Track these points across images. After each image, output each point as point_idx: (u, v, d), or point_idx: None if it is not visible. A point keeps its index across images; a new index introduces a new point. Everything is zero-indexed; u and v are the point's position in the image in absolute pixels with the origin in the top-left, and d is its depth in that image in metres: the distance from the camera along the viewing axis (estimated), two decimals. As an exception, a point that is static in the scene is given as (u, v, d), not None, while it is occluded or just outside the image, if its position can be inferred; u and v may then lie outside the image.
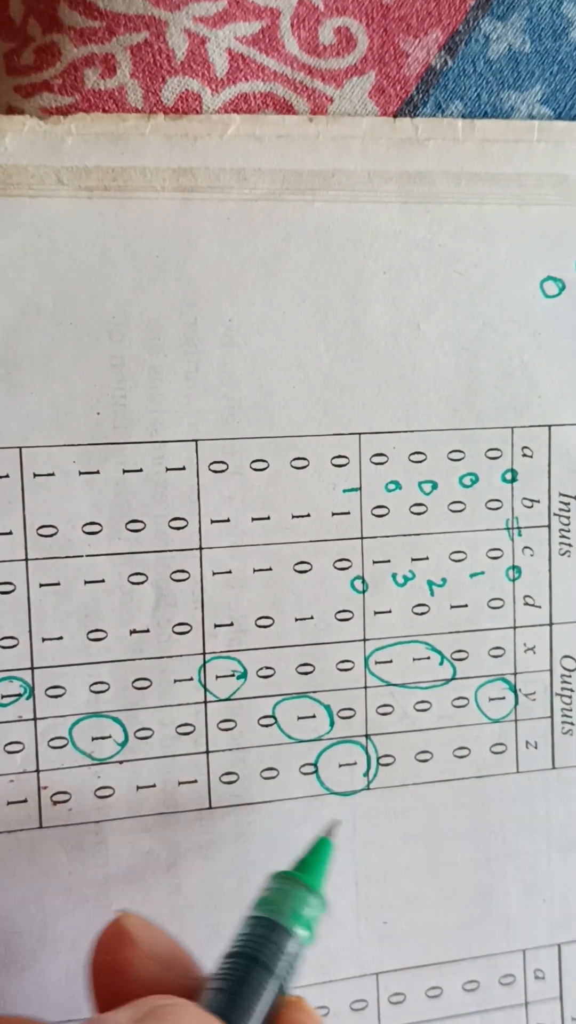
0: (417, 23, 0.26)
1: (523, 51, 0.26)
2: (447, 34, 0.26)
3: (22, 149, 0.24)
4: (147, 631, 0.26)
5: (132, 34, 0.24)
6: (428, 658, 0.28)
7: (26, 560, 0.25)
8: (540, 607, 0.28)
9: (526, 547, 0.28)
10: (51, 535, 0.25)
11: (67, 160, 0.24)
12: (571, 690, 0.28)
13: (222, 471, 0.26)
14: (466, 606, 0.28)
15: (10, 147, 0.24)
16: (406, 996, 0.29)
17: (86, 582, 0.25)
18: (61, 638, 0.25)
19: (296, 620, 0.27)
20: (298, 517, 0.26)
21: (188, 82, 0.25)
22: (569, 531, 0.28)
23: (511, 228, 0.27)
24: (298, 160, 0.25)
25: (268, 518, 0.26)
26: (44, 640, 0.25)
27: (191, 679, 0.26)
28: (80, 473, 0.25)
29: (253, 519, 0.26)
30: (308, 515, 0.26)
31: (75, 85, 0.24)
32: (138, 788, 0.26)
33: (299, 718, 0.27)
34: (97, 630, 0.25)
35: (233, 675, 0.26)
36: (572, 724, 0.29)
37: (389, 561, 0.27)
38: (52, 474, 0.25)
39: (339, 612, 0.27)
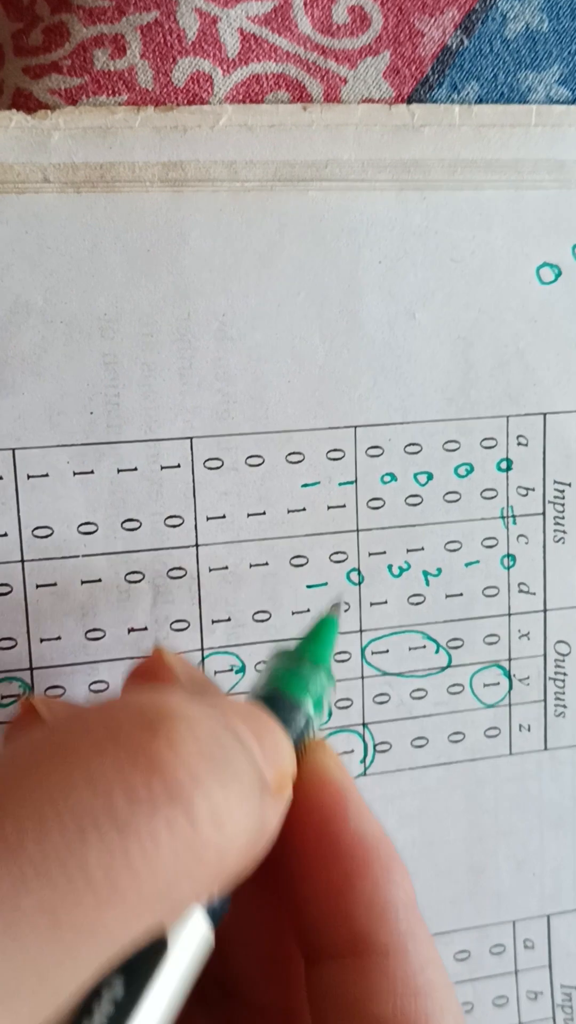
0: (433, 1, 0.25)
1: (540, 30, 0.25)
2: (463, 13, 0.25)
3: (8, 146, 0.23)
4: (145, 629, 0.26)
5: (142, 13, 0.23)
6: (424, 647, 0.28)
7: (22, 561, 0.25)
8: (535, 594, 0.28)
9: (521, 535, 0.28)
10: (47, 536, 0.25)
11: (54, 157, 0.23)
12: (564, 674, 0.29)
13: (217, 467, 0.26)
14: (461, 595, 0.28)
15: (-6, 139, 0.23)
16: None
17: (83, 582, 0.25)
18: (59, 638, 0.25)
19: (293, 613, 0.27)
20: (294, 511, 0.26)
21: (199, 63, 0.24)
22: (564, 518, 0.28)
23: (508, 214, 0.26)
24: (291, 150, 0.25)
25: (264, 513, 0.26)
26: (42, 640, 0.25)
27: (190, 674, 0.26)
28: (75, 473, 0.25)
29: (249, 515, 0.26)
30: (304, 509, 0.26)
31: (84, 66, 0.23)
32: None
33: (297, 709, 0.27)
34: (95, 629, 0.25)
35: (232, 669, 0.26)
36: (564, 707, 0.29)
37: (385, 552, 0.27)
38: (46, 475, 0.25)
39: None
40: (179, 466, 0.25)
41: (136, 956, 0.16)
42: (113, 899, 0.13)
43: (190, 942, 0.16)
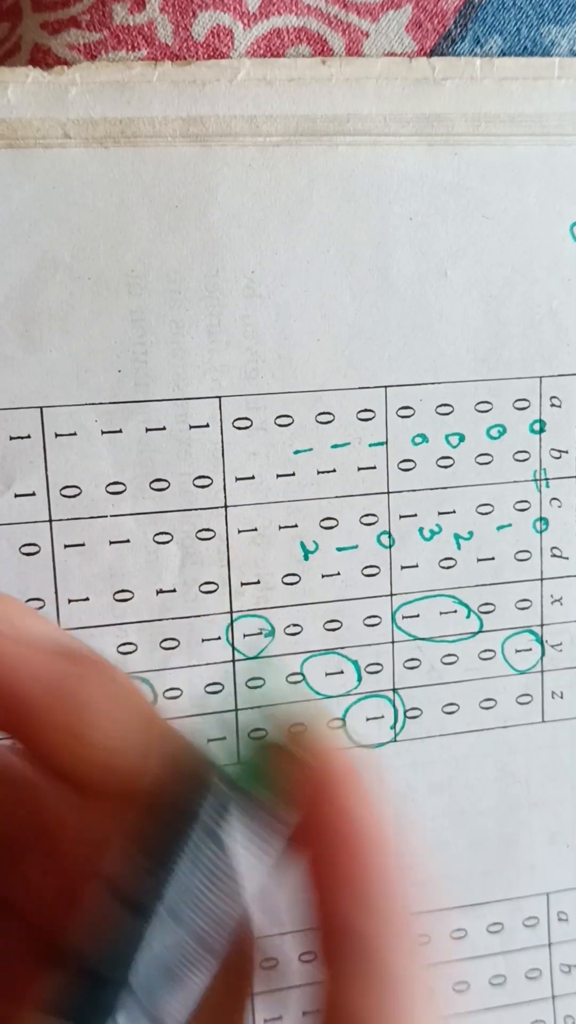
0: (448, -48, 0.24)
1: (559, -19, 0.25)
2: (480, -37, 0.24)
3: (26, 101, 0.23)
4: (173, 591, 0.25)
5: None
6: (455, 612, 0.27)
7: (50, 521, 0.24)
8: (568, 558, 0.28)
9: (554, 498, 0.28)
10: (75, 495, 0.25)
11: (72, 112, 0.23)
12: (597, 641, 0.28)
13: (246, 427, 0.25)
14: (493, 559, 0.28)
15: (13, 99, 0.23)
16: (430, 937, 0.29)
17: (111, 542, 0.25)
18: (87, 599, 0.25)
19: (323, 576, 0.26)
20: (323, 473, 0.26)
21: (219, 16, 0.24)
22: (597, 481, 0.28)
23: (541, 170, 0.26)
24: (311, 104, 0.24)
25: (293, 474, 0.26)
26: (70, 601, 0.25)
27: (219, 638, 0.26)
28: (102, 432, 0.24)
29: (278, 475, 0.26)
30: (334, 470, 0.26)
31: (103, 21, 0.23)
32: (167, 746, 0.26)
33: (327, 674, 0.27)
34: (123, 590, 0.25)
35: (261, 633, 0.26)
36: (598, 674, 0.29)
37: (416, 515, 0.27)
38: (74, 434, 0.24)
39: (366, 568, 0.27)
40: (208, 425, 0.25)
41: None
42: None
43: None
